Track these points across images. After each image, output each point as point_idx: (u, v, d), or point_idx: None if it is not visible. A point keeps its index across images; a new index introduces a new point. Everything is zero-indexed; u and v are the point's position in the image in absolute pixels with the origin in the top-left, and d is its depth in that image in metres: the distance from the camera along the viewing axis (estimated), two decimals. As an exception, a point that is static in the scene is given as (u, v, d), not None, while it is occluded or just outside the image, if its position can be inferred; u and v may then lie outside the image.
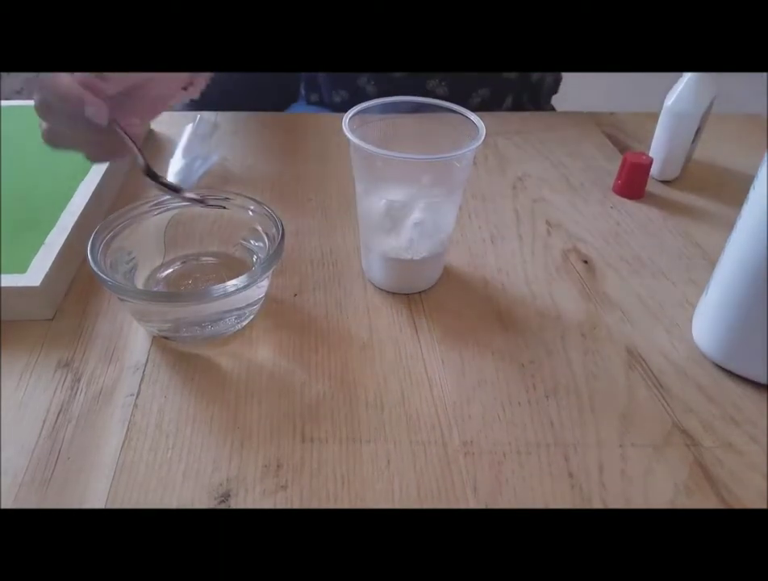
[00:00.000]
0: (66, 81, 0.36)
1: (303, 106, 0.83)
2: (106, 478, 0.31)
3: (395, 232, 0.41)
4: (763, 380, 0.37)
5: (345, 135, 0.38)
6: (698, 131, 0.54)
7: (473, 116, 0.40)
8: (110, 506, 0.29)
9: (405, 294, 0.43)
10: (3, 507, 0.29)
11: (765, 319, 0.34)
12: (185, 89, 0.47)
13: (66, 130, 0.39)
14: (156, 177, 0.40)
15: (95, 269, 0.35)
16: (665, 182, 0.56)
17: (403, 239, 0.41)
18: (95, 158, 0.42)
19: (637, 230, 0.50)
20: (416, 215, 0.40)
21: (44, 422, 0.33)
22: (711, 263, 0.46)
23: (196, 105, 0.80)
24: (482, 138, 0.38)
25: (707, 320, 0.39)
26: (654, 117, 0.55)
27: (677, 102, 0.53)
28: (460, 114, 0.40)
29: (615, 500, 0.30)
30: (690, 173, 0.57)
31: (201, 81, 0.48)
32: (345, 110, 0.39)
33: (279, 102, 0.84)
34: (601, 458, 0.33)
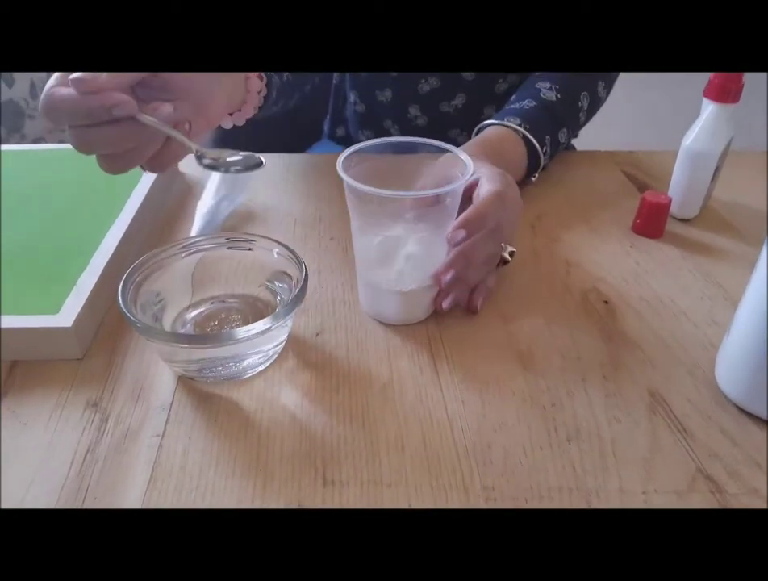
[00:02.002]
0: (87, 79, 0.34)
1: (327, 145, 0.86)
2: (132, 519, 0.31)
3: (387, 265, 0.43)
4: (790, 425, 0.36)
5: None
6: (716, 170, 0.55)
7: (463, 155, 0.42)
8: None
9: (402, 325, 0.44)
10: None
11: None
12: (231, 115, 0.50)
13: (95, 130, 0.36)
14: (202, 158, 0.40)
15: (125, 311, 0.37)
16: (684, 221, 0.56)
17: (394, 271, 0.42)
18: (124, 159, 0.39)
19: (657, 270, 0.50)
20: (408, 248, 0.42)
21: (72, 462, 0.34)
22: (734, 303, 0.46)
23: (222, 144, 0.83)
24: (469, 174, 0.40)
25: (730, 363, 0.38)
26: (674, 155, 0.55)
27: (695, 142, 0.54)
28: (452, 152, 0.43)
29: (640, 549, 0.30)
30: (710, 211, 0.57)
31: (248, 108, 0.50)
32: None
33: (304, 140, 0.87)
34: (624, 505, 0.32)
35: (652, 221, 0.54)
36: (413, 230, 0.42)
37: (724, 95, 0.52)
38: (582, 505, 0.32)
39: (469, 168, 0.41)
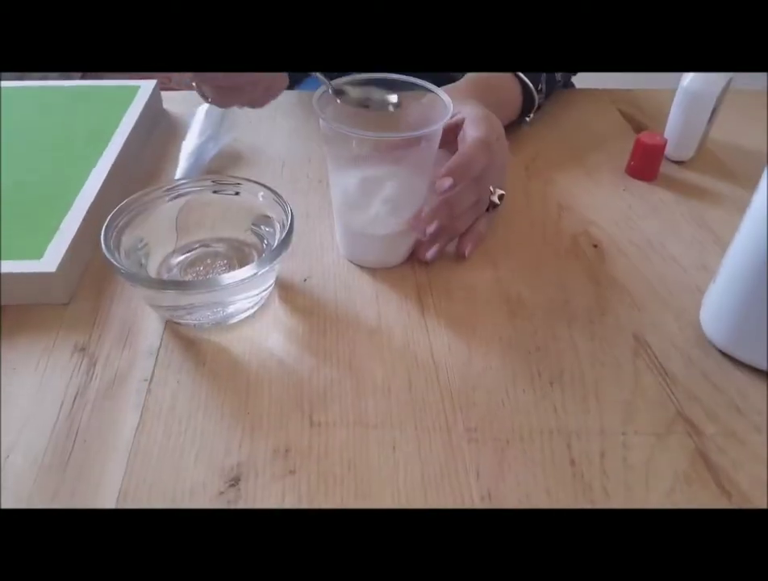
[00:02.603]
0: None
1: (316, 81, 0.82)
2: (122, 460, 0.32)
3: (364, 208, 0.42)
4: (770, 369, 0.37)
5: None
6: (714, 111, 0.53)
7: (444, 96, 0.40)
8: (125, 487, 0.31)
9: (388, 269, 0.44)
10: (23, 488, 0.31)
11: (774, 308, 0.34)
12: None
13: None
14: (341, 94, 0.42)
15: (108, 256, 0.36)
16: (679, 163, 0.55)
17: (371, 214, 0.42)
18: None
19: (649, 213, 0.49)
20: (385, 191, 0.41)
21: (62, 405, 0.34)
22: (724, 248, 0.45)
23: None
24: (448, 117, 0.39)
25: (715, 307, 0.38)
26: (672, 95, 0.54)
27: (692, 82, 0.52)
28: (433, 92, 0.41)
29: (616, 488, 0.31)
30: (706, 153, 0.56)
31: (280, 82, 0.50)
32: None
33: (292, 76, 0.83)
34: (603, 446, 0.33)
35: (646, 163, 0.52)
36: (391, 172, 0.41)
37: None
38: (563, 447, 0.33)
39: (449, 110, 0.39)
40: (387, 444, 0.33)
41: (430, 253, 0.43)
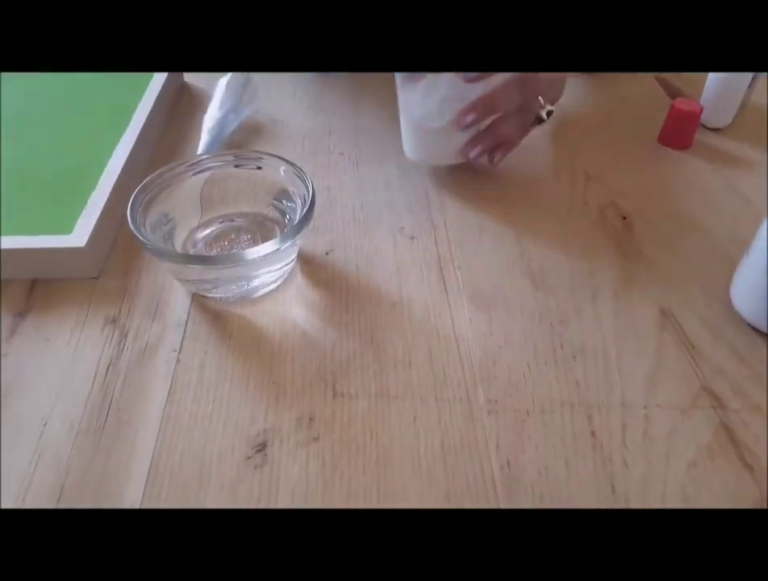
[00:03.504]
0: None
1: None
2: (154, 428, 0.33)
3: (420, 104, 0.44)
4: (802, 343, 0.36)
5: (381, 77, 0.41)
6: (755, 76, 0.51)
7: None
8: (157, 454, 0.32)
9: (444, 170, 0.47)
10: (61, 454, 0.32)
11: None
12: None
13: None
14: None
15: (135, 232, 0.37)
16: (715, 131, 0.53)
17: (426, 109, 0.44)
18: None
19: (682, 183, 0.48)
20: (439, 91, 0.43)
21: (95, 376, 0.36)
22: (759, 220, 0.44)
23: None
24: None
25: (746, 280, 0.37)
26: (707, 58, 0.51)
27: (732, 42, 0.49)
28: None
29: (636, 460, 0.31)
30: (744, 120, 0.54)
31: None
32: None
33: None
34: (625, 419, 0.33)
35: (680, 131, 0.51)
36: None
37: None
38: (584, 420, 0.33)
39: None
40: (408, 414, 0.34)
41: (473, 153, 0.45)
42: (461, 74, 0.42)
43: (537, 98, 0.44)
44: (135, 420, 0.34)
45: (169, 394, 0.35)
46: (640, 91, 0.59)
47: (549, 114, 0.46)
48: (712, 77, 0.51)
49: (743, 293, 0.37)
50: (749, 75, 0.50)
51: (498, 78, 0.43)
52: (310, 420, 0.34)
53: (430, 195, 0.48)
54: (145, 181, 0.40)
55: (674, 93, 0.58)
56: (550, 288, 0.40)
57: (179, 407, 0.34)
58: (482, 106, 0.43)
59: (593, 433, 0.32)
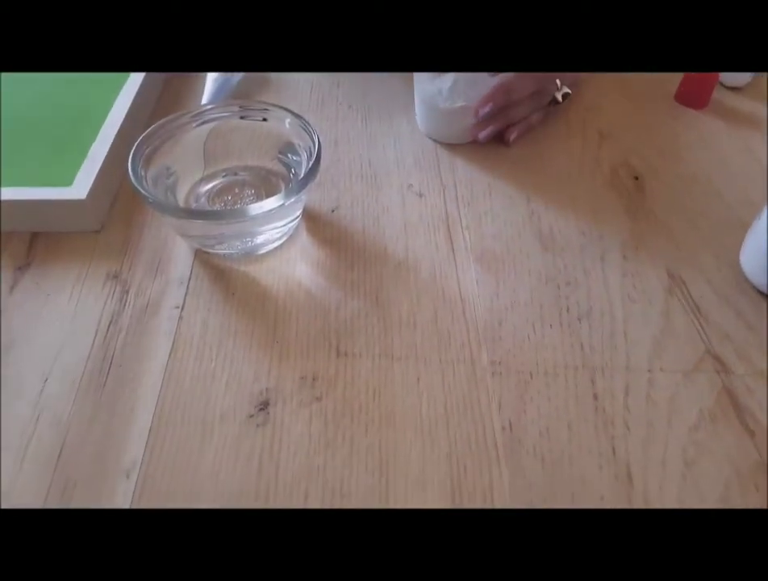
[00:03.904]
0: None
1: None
2: (155, 385, 0.33)
3: (433, 83, 0.44)
4: (811, 310, 0.35)
5: None
6: (780, 28, 0.49)
7: None
8: (159, 411, 0.32)
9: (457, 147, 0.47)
10: (62, 411, 0.32)
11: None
12: None
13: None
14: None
15: (136, 185, 0.36)
16: (734, 90, 0.51)
17: (437, 88, 0.44)
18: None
19: (697, 143, 0.47)
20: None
21: (97, 332, 0.36)
22: (774, 182, 0.43)
23: None
24: None
25: (756, 246, 0.37)
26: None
27: (759, -6, 0.47)
28: None
29: (638, 423, 0.31)
30: (763, 79, 0.52)
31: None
32: None
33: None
34: (628, 382, 0.33)
35: (697, 89, 0.49)
36: None
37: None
38: (587, 383, 0.33)
39: None
40: (411, 375, 0.34)
41: (482, 134, 0.45)
42: None
43: (555, 81, 0.45)
44: (137, 377, 0.34)
45: (171, 351, 0.35)
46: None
47: (566, 96, 0.46)
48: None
49: (752, 258, 0.37)
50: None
51: None
52: (314, 379, 0.34)
53: (439, 153, 0.47)
54: (147, 132, 0.39)
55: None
56: (559, 250, 0.40)
57: (181, 365, 0.34)
58: (499, 96, 0.44)
59: (595, 396, 0.32)
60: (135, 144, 0.38)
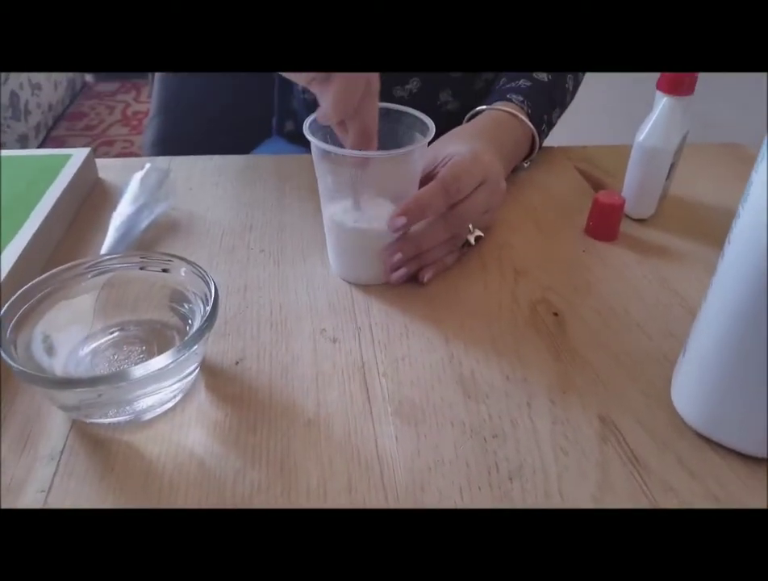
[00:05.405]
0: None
1: (278, 142, 0.81)
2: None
3: (344, 221, 0.44)
4: (753, 451, 0.33)
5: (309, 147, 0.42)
6: (672, 167, 0.52)
7: (423, 116, 0.43)
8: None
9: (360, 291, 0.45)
10: None
11: (754, 380, 0.31)
12: None
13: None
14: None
15: (1, 352, 0.32)
16: (640, 221, 0.53)
17: (348, 227, 0.43)
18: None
19: (611, 276, 0.47)
20: (363, 211, 0.44)
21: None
22: (691, 312, 0.43)
23: (159, 149, 0.78)
24: (431, 135, 0.41)
25: (687, 382, 0.35)
26: (629, 150, 0.52)
27: (648, 138, 0.50)
28: (414, 116, 0.44)
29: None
30: (667, 210, 0.54)
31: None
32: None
33: (250, 139, 0.81)
34: (570, 555, 0.29)
35: (605, 223, 0.50)
36: (370, 196, 0.44)
37: (678, 87, 0.49)
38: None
39: (430, 131, 0.41)
40: (319, 564, 0.28)
41: (395, 276, 0.44)
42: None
43: (467, 226, 0.46)
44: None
45: (26, 551, 0.28)
46: (564, 184, 0.59)
47: (478, 239, 0.47)
48: (631, 169, 0.52)
49: (685, 397, 0.35)
50: (666, 165, 0.51)
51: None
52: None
53: (354, 294, 0.45)
54: (24, 288, 0.35)
55: (597, 184, 0.58)
56: (482, 396, 0.37)
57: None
58: (408, 245, 0.43)
59: (535, 574, 0.28)
60: (8, 302, 0.34)
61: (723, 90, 1.77)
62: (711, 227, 0.52)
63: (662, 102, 0.50)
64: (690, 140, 0.53)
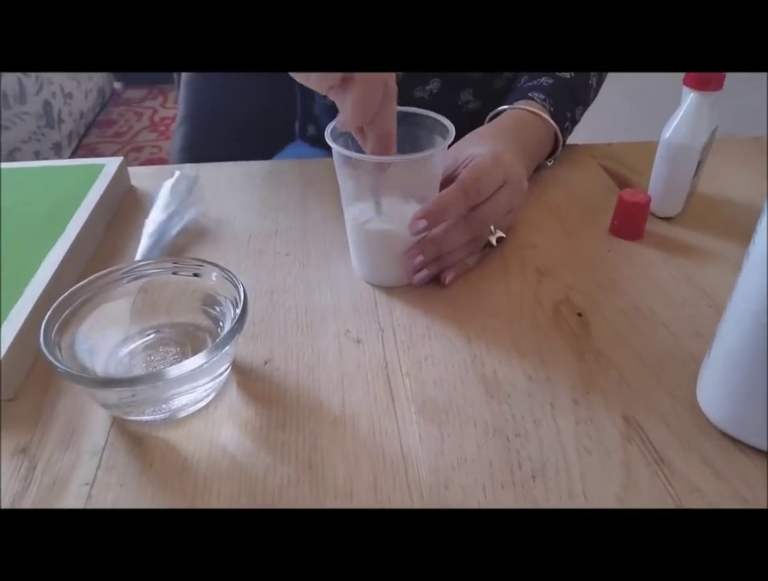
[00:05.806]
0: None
1: (301, 146, 0.82)
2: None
3: (366, 226, 0.45)
4: (778, 451, 0.33)
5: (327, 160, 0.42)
6: (699, 164, 0.51)
7: (443, 119, 0.44)
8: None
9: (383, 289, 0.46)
10: None
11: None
12: None
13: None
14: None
15: (46, 353, 0.33)
16: (666, 220, 0.53)
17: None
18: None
19: (636, 276, 0.47)
20: (385, 214, 0.44)
21: (-15, 524, 0.31)
22: (718, 311, 0.42)
23: (186, 155, 0.80)
24: (451, 138, 0.42)
25: (713, 381, 0.35)
26: (656, 147, 0.52)
27: (674, 135, 0.50)
28: (434, 118, 0.44)
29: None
30: (694, 208, 0.54)
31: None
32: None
33: (275, 143, 0.83)
34: (592, 553, 0.29)
35: (630, 222, 0.50)
36: (390, 200, 0.45)
37: (706, 83, 0.48)
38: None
39: (450, 133, 0.42)
40: (346, 558, 0.29)
41: (417, 277, 0.45)
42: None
43: (489, 227, 0.46)
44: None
45: (72, 541, 0.30)
46: (589, 182, 0.59)
47: (500, 240, 0.48)
48: (657, 166, 0.52)
49: (712, 397, 0.35)
50: (694, 162, 0.50)
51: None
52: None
53: (377, 296, 0.46)
54: (67, 293, 0.37)
55: (622, 182, 0.58)
56: (505, 396, 0.37)
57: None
58: (429, 247, 0.44)
59: (557, 571, 0.28)
60: (52, 307, 0.36)
61: (756, 82, 1.72)
62: (739, 225, 0.51)
63: (689, 97, 0.49)
64: (720, 135, 0.53)
